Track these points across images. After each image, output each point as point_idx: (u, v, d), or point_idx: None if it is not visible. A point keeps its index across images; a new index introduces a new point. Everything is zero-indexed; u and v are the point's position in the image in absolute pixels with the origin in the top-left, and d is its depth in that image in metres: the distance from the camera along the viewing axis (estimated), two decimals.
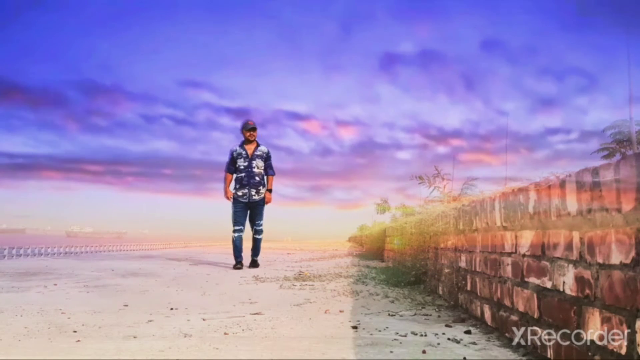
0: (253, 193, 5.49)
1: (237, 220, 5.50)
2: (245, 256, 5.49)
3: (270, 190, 5.59)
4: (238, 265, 5.33)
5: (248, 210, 5.53)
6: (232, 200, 5.52)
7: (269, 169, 5.60)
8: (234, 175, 5.59)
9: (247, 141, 5.57)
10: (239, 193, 5.50)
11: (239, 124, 5.80)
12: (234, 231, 5.49)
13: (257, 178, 5.52)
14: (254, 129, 5.54)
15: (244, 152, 5.55)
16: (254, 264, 5.52)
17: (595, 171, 1.16)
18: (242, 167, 5.53)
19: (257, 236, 5.61)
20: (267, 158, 5.61)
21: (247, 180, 5.50)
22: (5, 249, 6.49)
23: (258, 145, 5.59)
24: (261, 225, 5.61)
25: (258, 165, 5.53)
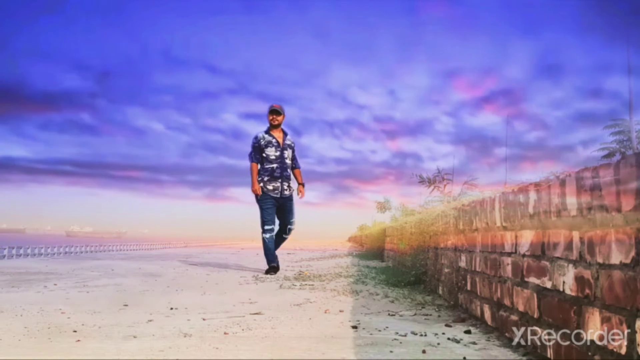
0: (285, 187, 4.83)
1: (269, 219, 4.81)
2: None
3: (303, 185, 5.03)
4: (272, 270, 4.65)
5: (278, 207, 4.88)
6: (260, 194, 4.82)
7: (296, 162, 5.04)
8: (260, 166, 4.88)
9: (272, 127, 4.89)
10: (270, 187, 4.79)
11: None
12: (265, 231, 4.78)
13: (289, 170, 4.91)
14: (276, 111, 4.85)
15: (274, 140, 4.87)
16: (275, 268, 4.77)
17: (595, 171, 1.16)
18: (273, 157, 4.83)
19: (287, 235, 4.98)
20: (294, 149, 5.05)
21: (279, 172, 4.82)
22: (5, 249, 6.49)
23: (286, 133, 4.99)
24: (294, 222, 4.98)
25: (289, 156, 4.92)
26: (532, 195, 1.52)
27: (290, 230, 4.97)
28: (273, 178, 4.80)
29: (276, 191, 4.80)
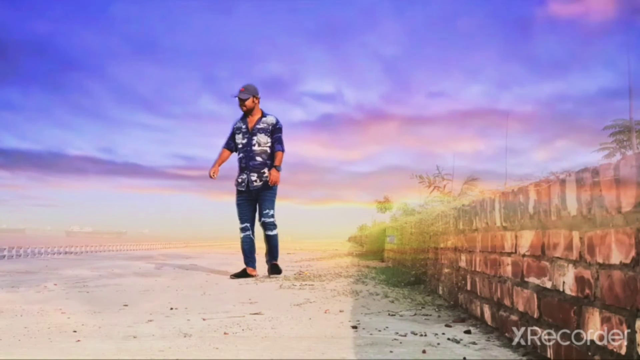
0: (254, 178, 4.24)
1: (240, 217, 4.32)
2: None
3: (277, 168, 4.22)
4: (242, 274, 4.17)
5: (255, 202, 4.33)
6: (214, 178, 4.42)
7: (276, 144, 4.28)
8: (238, 156, 4.41)
9: (248, 113, 4.35)
10: (239, 180, 4.33)
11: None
12: (240, 230, 4.34)
13: (258, 159, 4.25)
14: (240, 99, 4.27)
15: (243, 126, 4.34)
16: (273, 269, 4.28)
17: (595, 171, 1.16)
18: (240, 146, 4.34)
19: (269, 232, 4.29)
20: (274, 130, 4.30)
21: (245, 162, 4.28)
22: (5, 249, 6.49)
23: (263, 116, 4.33)
24: (271, 216, 4.27)
25: (260, 142, 4.26)
26: (532, 196, 1.52)
27: (267, 224, 4.27)
28: (240, 169, 4.34)
29: (243, 184, 4.29)
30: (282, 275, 4.40)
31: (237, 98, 4.31)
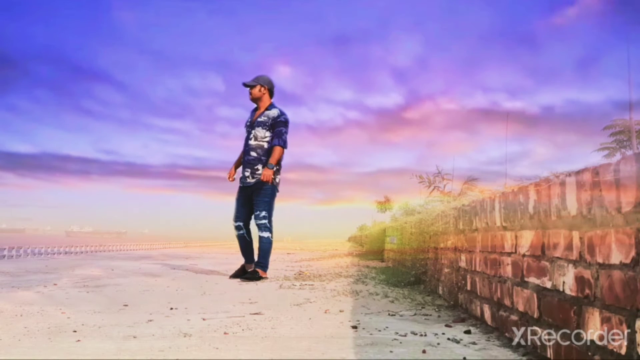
0: (247, 174, 4.03)
1: (235, 214, 4.15)
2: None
3: (269, 165, 3.94)
4: (239, 273, 4.13)
5: (250, 200, 4.10)
6: (231, 181, 4.33)
7: (275, 138, 4.00)
8: None
9: (256, 104, 4.19)
10: (240, 176, 4.17)
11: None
12: (234, 229, 4.17)
13: (253, 154, 4.01)
14: (246, 84, 4.12)
15: (248, 120, 4.19)
16: (249, 273, 4.01)
17: (595, 171, 1.16)
18: (244, 140, 4.19)
19: (261, 233, 4.02)
20: (274, 124, 4.01)
21: (244, 156, 4.12)
22: (5, 249, 6.49)
23: (268, 108, 4.09)
24: (262, 217, 3.99)
25: (257, 136, 4.02)
26: (532, 196, 1.52)
27: (258, 226, 4.03)
28: (242, 165, 4.16)
29: (241, 179, 4.11)
30: (282, 275, 4.40)
31: (246, 86, 4.17)
